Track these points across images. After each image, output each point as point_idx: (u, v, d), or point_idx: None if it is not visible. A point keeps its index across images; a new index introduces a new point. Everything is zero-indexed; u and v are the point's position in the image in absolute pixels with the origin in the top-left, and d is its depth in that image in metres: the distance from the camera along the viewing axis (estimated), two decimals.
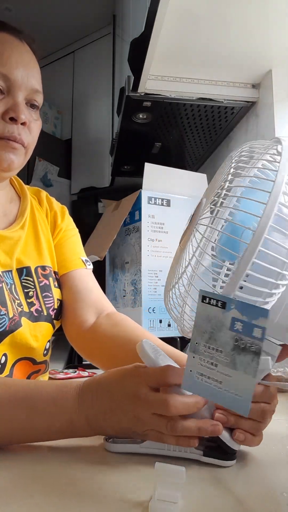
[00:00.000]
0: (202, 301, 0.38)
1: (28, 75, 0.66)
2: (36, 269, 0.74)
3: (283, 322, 0.42)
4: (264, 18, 0.97)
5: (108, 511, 0.34)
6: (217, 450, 0.43)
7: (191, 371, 0.40)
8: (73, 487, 0.38)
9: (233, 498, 0.37)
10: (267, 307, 0.40)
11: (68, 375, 1.04)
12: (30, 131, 0.68)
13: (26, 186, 0.82)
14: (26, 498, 0.36)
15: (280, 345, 0.44)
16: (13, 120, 0.64)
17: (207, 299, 0.38)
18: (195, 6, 0.94)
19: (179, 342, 1.27)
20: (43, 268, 0.75)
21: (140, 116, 1.36)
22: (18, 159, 0.67)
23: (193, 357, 0.39)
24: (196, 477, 0.40)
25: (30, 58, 0.68)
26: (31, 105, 0.68)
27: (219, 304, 0.37)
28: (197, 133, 1.49)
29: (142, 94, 1.22)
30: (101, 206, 2.20)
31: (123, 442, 0.46)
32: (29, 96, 0.67)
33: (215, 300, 0.37)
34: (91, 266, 0.83)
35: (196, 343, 0.39)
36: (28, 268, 0.72)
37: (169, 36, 1.02)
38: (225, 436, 0.43)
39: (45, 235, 0.79)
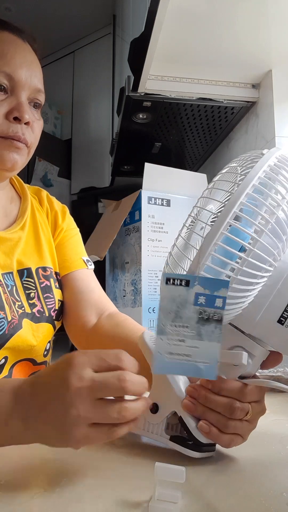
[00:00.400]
0: (166, 283, 0.41)
1: (31, 75, 0.66)
2: (37, 270, 0.74)
3: (266, 324, 0.42)
4: (264, 18, 0.97)
5: (108, 511, 0.34)
6: (183, 438, 0.44)
7: (160, 353, 0.41)
8: (73, 487, 0.38)
9: (233, 498, 0.37)
10: (246, 302, 0.41)
11: None
12: (33, 130, 0.68)
13: (26, 185, 0.81)
14: (26, 499, 0.36)
15: (270, 351, 0.44)
16: (16, 119, 0.64)
17: (171, 280, 0.41)
18: (195, 6, 0.94)
19: None
20: (44, 269, 0.75)
21: (140, 116, 1.36)
22: (22, 159, 0.67)
23: (161, 339, 0.40)
24: (196, 477, 0.40)
25: (33, 57, 0.68)
26: (34, 104, 0.68)
27: (183, 283, 0.40)
28: (197, 133, 1.49)
29: (142, 94, 1.22)
30: (101, 206, 2.20)
31: None
32: (31, 95, 0.67)
33: (178, 280, 0.40)
34: (93, 266, 0.83)
35: (163, 324, 0.41)
36: (29, 270, 0.72)
37: (169, 36, 1.02)
38: (191, 425, 0.44)
39: (46, 235, 0.79)
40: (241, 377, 0.44)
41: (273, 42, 1.06)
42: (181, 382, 0.46)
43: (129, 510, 0.34)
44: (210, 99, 1.26)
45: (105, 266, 1.60)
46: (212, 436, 0.43)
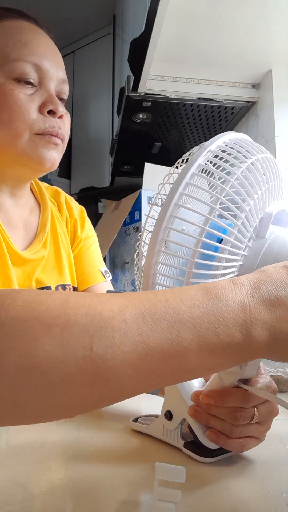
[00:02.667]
0: None
1: (56, 64, 0.63)
2: (56, 288, 0.71)
3: None
4: (264, 18, 0.97)
5: (108, 511, 0.34)
6: (196, 444, 0.44)
7: None
8: (73, 487, 0.38)
9: (233, 498, 0.37)
10: None
11: None
12: (65, 124, 0.64)
13: (43, 185, 0.77)
14: (25, 498, 0.36)
15: None
16: (51, 113, 0.61)
17: None
18: (195, 6, 0.94)
19: None
20: (63, 287, 0.72)
21: (140, 116, 1.36)
22: (59, 156, 0.63)
23: None
24: (196, 477, 0.40)
25: (54, 46, 0.65)
26: (59, 98, 0.65)
27: None
28: (197, 133, 1.49)
29: (142, 94, 1.22)
30: (101, 206, 2.20)
31: (140, 423, 0.51)
32: (58, 87, 0.64)
33: None
34: (110, 277, 0.81)
35: None
36: (48, 288, 0.69)
37: (169, 36, 1.02)
38: (199, 432, 0.44)
39: (66, 249, 0.75)
40: (243, 380, 0.44)
41: (273, 42, 1.06)
42: (191, 389, 0.46)
43: (129, 510, 0.34)
44: (210, 99, 1.26)
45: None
46: (220, 443, 0.43)
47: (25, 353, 0.25)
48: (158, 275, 0.39)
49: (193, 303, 0.28)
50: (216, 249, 0.38)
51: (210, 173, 0.40)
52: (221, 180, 0.39)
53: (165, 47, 1.06)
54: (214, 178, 0.39)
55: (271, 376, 0.76)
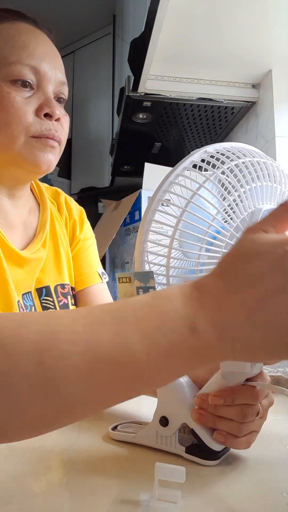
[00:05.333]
0: (119, 282, 0.46)
1: (55, 66, 0.63)
2: (55, 288, 0.71)
3: None
4: (264, 18, 0.97)
5: (108, 511, 0.34)
6: (199, 448, 0.43)
7: None
8: (73, 487, 0.38)
9: (233, 498, 0.37)
10: None
11: None
12: (63, 126, 0.64)
13: (43, 186, 0.77)
14: (26, 499, 0.36)
15: None
16: (47, 116, 0.61)
17: (121, 279, 0.46)
18: (195, 6, 0.94)
19: None
20: (62, 286, 0.73)
21: (140, 116, 1.36)
22: (56, 159, 0.64)
23: None
24: (196, 477, 0.40)
25: (53, 48, 0.65)
26: (58, 99, 0.65)
27: (127, 280, 0.45)
28: (197, 133, 1.49)
29: (142, 94, 1.22)
30: (101, 206, 2.20)
31: (122, 432, 0.49)
32: (56, 89, 0.64)
33: (124, 278, 0.45)
34: (107, 278, 0.82)
35: None
36: (47, 288, 0.69)
37: (169, 36, 1.02)
38: (204, 436, 0.43)
39: (65, 248, 0.76)
40: (247, 379, 0.44)
41: (273, 42, 1.06)
42: (187, 393, 0.45)
43: (129, 510, 0.34)
44: (210, 99, 1.26)
45: (105, 266, 1.60)
46: (228, 443, 0.43)
47: None
48: (146, 252, 0.45)
49: (139, 305, 0.29)
50: (200, 232, 0.42)
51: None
52: (209, 173, 0.42)
53: (165, 47, 1.06)
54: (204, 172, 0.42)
55: (271, 376, 0.76)
